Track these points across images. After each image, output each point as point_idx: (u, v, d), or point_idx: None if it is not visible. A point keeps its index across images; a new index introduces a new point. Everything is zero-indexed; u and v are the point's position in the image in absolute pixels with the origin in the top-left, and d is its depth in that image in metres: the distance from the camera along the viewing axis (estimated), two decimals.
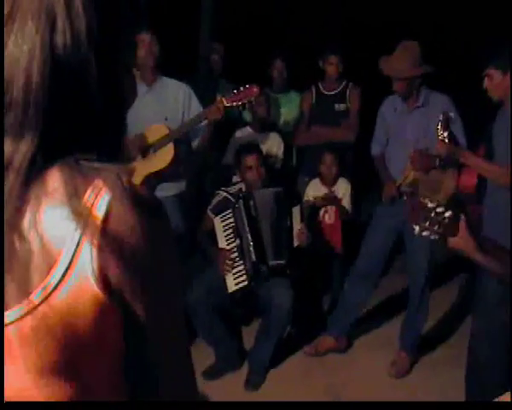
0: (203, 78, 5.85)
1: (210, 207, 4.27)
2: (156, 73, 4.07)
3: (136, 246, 0.88)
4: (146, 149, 3.91)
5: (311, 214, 4.75)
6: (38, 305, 0.86)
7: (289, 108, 5.37)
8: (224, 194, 4.26)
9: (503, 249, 2.71)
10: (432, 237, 2.56)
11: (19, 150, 0.88)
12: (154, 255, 0.91)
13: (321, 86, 5.17)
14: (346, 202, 4.76)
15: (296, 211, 4.18)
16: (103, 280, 0.88)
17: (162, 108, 4.01)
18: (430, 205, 2.56)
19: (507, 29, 3.78)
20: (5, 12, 0.88)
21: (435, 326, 4.82)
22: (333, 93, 5.12)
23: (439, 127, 3.62)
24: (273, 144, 5.10)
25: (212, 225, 4.17)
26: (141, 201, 0.91)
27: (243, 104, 3.81)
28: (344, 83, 5.11)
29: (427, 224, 2.55)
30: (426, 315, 4.36)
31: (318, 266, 4.84)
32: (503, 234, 3.28)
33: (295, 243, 4.12)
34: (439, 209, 2.54)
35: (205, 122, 3.92)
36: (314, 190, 4.78)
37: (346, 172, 4.84)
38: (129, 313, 0.92)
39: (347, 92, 5.09)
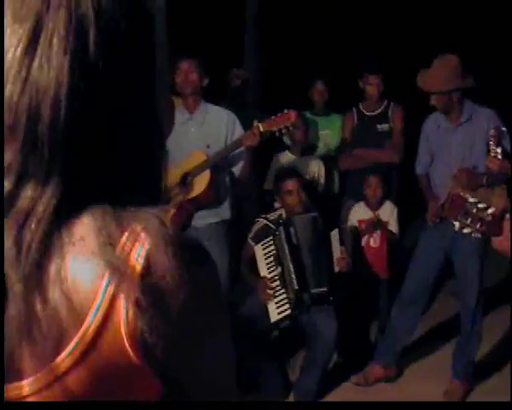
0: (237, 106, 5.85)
1: (250, 235, 4.21)
2: (198, 100, 4.03)
3: (181, 303, 0.76)
4: (184, 178, 3.87)
5: (356, 238, 4.64)
6: (63, 374, 0.74)
7: (331, 131, 5.31)
8: (264, 221, 4.20)
9: None
10: (474, 236, 2.41)
11: (44, 195, 0.74)
12: (201, 315, 0.79)
13: (362, 107, 5.09)
14: (393, 226, 4.65)
15: (334, 235, 4.08)
16: (141, 344, 0.74)
17: (204, 135, 3.98)
18: (471, 200, 2.41)
19: None
20: (27, 28, 0.75)
21: (491, 352, 4.63)
22: (375, 113, 5.04)
23: (492, 142, 3.50)
24: (313, 169, 5.03)
25: (253, 253, 4.10)
26: (186, 249, 0.78)
27: (280, 130, 3.74)
28: (385, 102, 5.03)
29: (469, 220, 2.39)
30: (479, 340, 4.20)
31: (364, 293, 4.71)
32: None
33: (336, 269, 4.02)
34: (481, 205, 2.39)
35: (242, 148, 3.86)
36: (359, 213, 4.69)
37: (391, 195, 4.73)
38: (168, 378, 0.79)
39: (389, 112, 5.00)
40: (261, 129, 3.74)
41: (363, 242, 4.66)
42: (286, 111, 3.74)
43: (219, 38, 7.88)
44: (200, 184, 3.80)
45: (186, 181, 3.86)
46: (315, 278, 3.98)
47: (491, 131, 3.56)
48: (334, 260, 4.04)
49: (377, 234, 4.62)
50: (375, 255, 4.63)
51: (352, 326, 4.69)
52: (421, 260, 4.23)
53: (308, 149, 5.14)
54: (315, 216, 4.09)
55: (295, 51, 8.07)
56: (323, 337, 3.83)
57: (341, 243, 4.09)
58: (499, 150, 3.46)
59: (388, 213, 4.66)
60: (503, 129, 3.58)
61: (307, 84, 5.56)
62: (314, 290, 3.95)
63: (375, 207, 4.67)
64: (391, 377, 4.36)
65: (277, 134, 3.77)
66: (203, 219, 3.92)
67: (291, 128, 3.77)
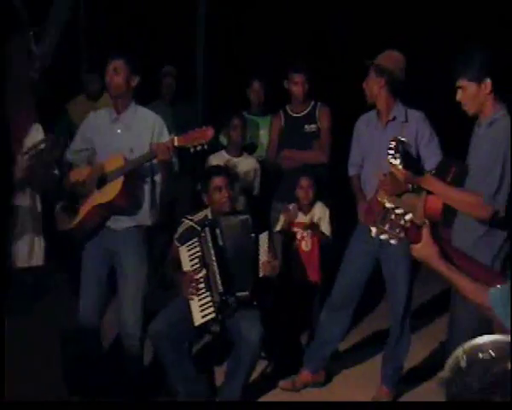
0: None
1: (176, 236, 4.13)
2: (127, 101, 3.95)
3: None
4: (103, 179, 3.83)
5: (287, 242, 4.59)
6: None
7: (267, 132, 5.25)
8: (190, 222, 4.13)
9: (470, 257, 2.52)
10: (392, 242, 2.39)
11: None
12: None
13: (289, 109, 5.07)
14: (325, 228, 4.62)
15: (264, 238, 4.02)
16: None
17: (129, 138, 3.91)
18: (389, 205, 2.41)
19: (478, 39, 3.64)
20: None
21: (423, 358, 4.65)
22: (301, 114, 5.02)
23: (390, 155, 3.40)
24: (249, 170, 4.98)
25: (179, 255, 4.01)
26: None
27: (194, 147, 3.67)
28: (312, 103, 5.01)
29: (386, 226, 2.38)
30: (407, 347, 4.20)
31: (296, 297, 4.66)
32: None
33: (261, 274, 3.95)
34: (399, 211, 2.38)
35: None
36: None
37: (322, 196, 4.70)
38: None
39: (316, 112, 4.99)
40: (175, 143, 3.67)
41: (295, 245, 4.61)
42: (204, 128, 3.68)
43: (168, 36, 7.83)
44: (113, 189, 3.75)
45: (102, 184, 3.82)
46: (239, 281, 3.91)
47: (391, 143, 3.44)
48: (260, 264, 3.98)
49: (309, 237, 4.57)
50: (308, 259, 4.59)
51: (283, 331, 4.66)
52: (351, 264, 4.21)
53: (244, 150, 5.08)
54: (243, 219, 4.03)
55: (240, 50, 8.04)
56: (247, 342, 3.77)
57: (270, 247, 4.03)
58: (397, 162, 3.36)
59: (320, 214, 4.64)
60: (403, 139, 3.48)
61: (245, 83, 5.53)
62: (239, 294, 3.89)
63: (306, 208, 4.63)
64: (319, 383, 4.33)
65: (191, 150, 3.70)
66: (121, 223, 3.91)
67: (205, 146, 3.71)
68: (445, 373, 1.61)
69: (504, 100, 3.32)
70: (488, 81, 3.23)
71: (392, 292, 4.19)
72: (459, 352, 1.57)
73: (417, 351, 4.54)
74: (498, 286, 2.11)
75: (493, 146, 3.20)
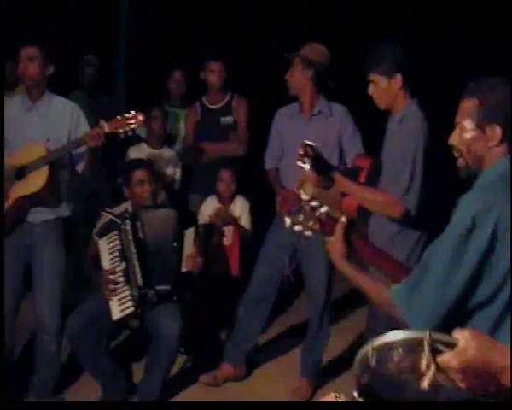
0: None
1: (95, 230, 4.07)
2: (41, 90, 3.84)
3: None
4: (21, 170, 3.71)
5: (207, 236, 4.57)
6: None
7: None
8: (110, 215, 4.07)
9: (381, 252, 2.54)
10: (306, 234, 2.40)
11: None
12: None
13: (205, 100, 5.02)
14: (245, 221, 4.62)
15: (189, 234, 4.01)
16: None
17: (45, 127, 3.80)
18: (304, 197, 2.42)
19: (390, 34, 3.70)
20: None
21: (342, 350, 4.72)
22: (218, 106, 4.98)
23: (298, 160, 3.35)
24: (170, 163, 4.94)
25: (98, 249, 3.95)
26: None
27: (125, 132, 3.63)
28: (229, 95, 4.98)
29: (301, 217, 2.38)
30: (326, 339, 4.26)
31: (216, 292, 4.65)
32: None
33: (183, 269, 3.94)
34: (315, 203, 2.39)
35: (84, 147, 3.72)
36: (210, 208, 4.62)
37: (242, 190, 4.69)
38: None
39: (233, 104, 4.96)
40: (106, 129, 3.60)
41: (216, 239, 4.60)
42: (134, 113, 3.64)
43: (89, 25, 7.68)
44: (38, 179, 3.66)
45: (22, 174, 3.70)
46: (160, 274, 3.89)
47: (300, 149, 3.38)
48: (183, 258, 3.96)
49: (229, 231, 4.58)
50: (228, 253, 4.59)
51: (204, 326, 4.65)
52: (267, 257, 4.24)
53: (165, 142, 5.02)
54: (165, 212, 4.03)
55: (163, 40, 7.95)
56: (167, 336, 3.75)
57: (195, 242, 4.01)
58: (307, 166, 3.32)
59: (241, 208, 4.64)
60: (312, 144, 3.48)
61: (166, 74, 5.49)
62: (158, 288, 3.87)
63: (227, 201, 4.63)
64: (240, 377, 4.34)
65: (122, 136, 3.65)
66: (40, 215, 3.81)
67: (135, 132, 3.67)
68: (354, 370, 1.60)
69: (415, 95, 3.38)
70: (399, 76, 3.28)
71: (311, 284, 4.24)
72: (368, 349, 1.54)
73: (336, 343, 4.61)
74: (400, 283, 2.11)
75: (404, 142, 3.25)
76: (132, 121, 3.62)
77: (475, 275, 1.96)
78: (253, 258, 4.38)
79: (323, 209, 2.38)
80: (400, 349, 1.49)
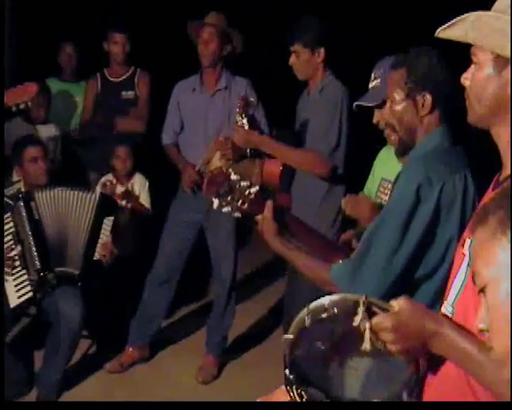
0: None
1: None
2: None
3: None
4: None
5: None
6: None
7: (81, 99, 5.09)
8: None
9: (313, 231, 2.57)
10: (235, 215, 2.36)
11: None
12: None
13: (106, 73, 4.93)
14: (145, 199, 4.56)
15: (108, 222, 3.97)
16: None
17: None
18: (234, 177, 2.36)
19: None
20: None
21: (250, 327, 4.79)
22: (120, 80, 4.91)
23: (238, 113, 3.50)
24: (50, 137, 4.79)
25: None
26: None
27: (17, 105, 3.49)
28: (132, 69, 4.92)
29: (229, 198, 2.33)
30: (232, 316, 4.32)
31: (121, 272, 4.59)
32: (312, 223, 3.26)
33: (97, 256, 3.91)
34: (244, 183, 2.34)
35: None
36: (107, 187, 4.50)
37: (141, 167, 4.63)
38: None
39: (135, 79, 4.90)
40: None
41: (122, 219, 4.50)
42: (26, 84, 3.51)
43: None
44: None
45: None
46: (59, 256, 3.82)
47: (238, 101, 3.57)
48: (98, 246, 3.93)
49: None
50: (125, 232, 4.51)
51: (109, 307, 4.58)
52: (172, 235, 4.24)
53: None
54: (63, 190, 3.92)
55: (48, 12, 7.66)
56: (67, 320, 3.68)
57: (112, 230, 3.98)
58: (245, 121, 3.46)
59: (139, 186, 4.57)
60: (251, 99, 3.62)
61: (55, 47, 5.33)
62: (61, 269, 3.79)
63: (124, 179, 4.54)
64: (145, 357, 4.33)
65: (14, 110, 3.51)
66: None
67: (29, 104, 3.54)
68: (288, 335, 1.58)
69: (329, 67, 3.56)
70: (322, 50, 3.46)
71: (217, 262, 4.28)
72: (303, 312, 1.53)
73: (242, 321, 4.67)
74: (340, 261, 2.12)
75: (329, 106, 3.44)
76: (24, 94, 3.49)
77: (420, 249, 1.99)
78: (155, 237, 4.36)
79: (253, 189, 2.34)
80: (335, 309, 1.51)
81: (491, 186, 1.61)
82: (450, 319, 1.58)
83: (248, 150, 3.67)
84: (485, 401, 1.44)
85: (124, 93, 4.86)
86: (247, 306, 5.03)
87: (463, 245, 1.60)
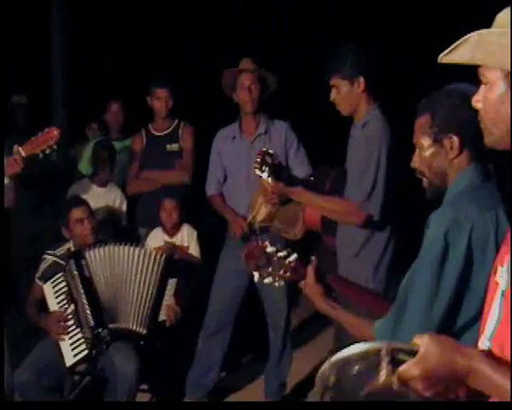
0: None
1: (37, 274, 4.03)
2: None
3: None
4: None
5: None
6: None
7: (127, 156, 5.20)
8: (52, 258, 4.04)
9: (357, 287, 2.56)
10: (277, 285, 2.38)
11: None
12: None
13: (151, 127, 5.02)
14: (194, 250, 4.60)
15: (172, 283, 4.00)
16: None
17: None
18: (270, 249, 2.37)
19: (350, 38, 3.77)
20: None
21: (308, 372, 4.73)
22: (164, 133, 4.97)
23: (256, 168, 3.38)
24: (116, 198, 4.93)
25: (43, 294, 3.90)
26: None
27: (43, 151, 3.62)
28: (176, 122, 4.99)
29: (270, 269, 2.35)
30: (289, 362, 4.31)
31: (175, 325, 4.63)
32: (355, 269, 3.22)
33: (163, 316, 3.94)
34: (282, 254, 2.36)
35: (8, 180, 3.69)
36: (156, 241, 4.58)
37: (190, 218, 4.68)
38: None
39: (179, 131, 4.96)
40: (23, 153, 3.60)
41: None
42: (47, 129, 3.65)
43: None
44: None
45: None
46: (113, 312, 3.86)
47: (257, 156, 3.40)
48: (163, 306, 3.96)
49: None
50: None
51: (163, 360, 4.61)
52: (222, 284, 4.25)
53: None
54: (114, 246, 3.95)
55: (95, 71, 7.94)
56: (123, 375, 3.71)
57: (175, 292, 4.00)
58: (265, 175, 3.34)
59: (188, 237, 4.62)
60: (271, 151, 3.46)
61: (103, 106, 5.48)
62: (111, 326, 3.83)
63: (172, 232, 4.59)
64: None
65: (41, 156, 3.64)
66: None
67: (55, 147, 3.66)
68: (314, 392, 1.57)
69: (377, 99, 3.39)
70: (361, 79, 3.30)
71: (271, 308, 4.27)
72: (326, 367, 1.47)
73: (300, 366, 4.63)
74: (381, 319, 2.09)
75: (367, 147, 3.26)
76: (47, 139, 3.63)
77: (457, 295, 1.95)
78: (206, 286, 4.39)
79: (292, 257, 2.36)
80: (360, 363, 1.44)
81: None
82: (482, 351, 1.51)
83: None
84: (486, 401, 1.39)
85: (168, 146, 4.92)
86: (305, 350, 4.99)
87: (495, 273, 1.56)
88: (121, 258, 3.95)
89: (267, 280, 2.37)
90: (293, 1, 7.99)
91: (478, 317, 1.90)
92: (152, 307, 3.92)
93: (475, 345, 1.87)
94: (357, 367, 1.44)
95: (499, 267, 1.53)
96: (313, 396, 1.52)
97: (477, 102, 1.57)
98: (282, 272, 2.35)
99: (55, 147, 3.66)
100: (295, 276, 2.36)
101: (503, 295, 1.49)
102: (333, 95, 3.36)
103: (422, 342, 1.42)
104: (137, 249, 3.98)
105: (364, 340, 2.03)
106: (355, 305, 2.42)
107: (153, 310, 3.92)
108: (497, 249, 1.91)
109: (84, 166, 5.46)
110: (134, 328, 3.86)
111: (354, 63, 3.30)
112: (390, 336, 1.99)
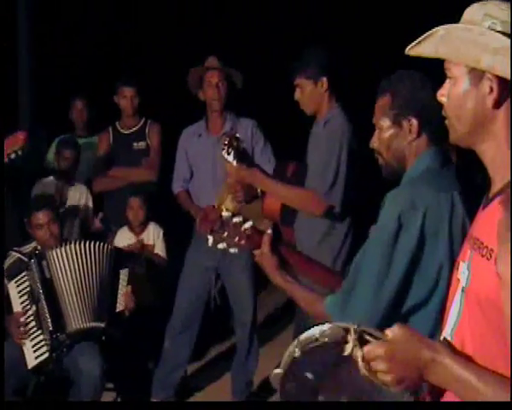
0: None
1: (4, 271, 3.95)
2: None
3: None
4: None
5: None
6: None
7: (93, 153, 5.15)
8: (17, 254, 3.96)
9: (308, 259, 2.54)
10: (231, 251, 2.35)
11: None
12: None
13: (118, 125, 5.00)
14: (159, 248, 4.58)
15: (124, 273, 4.00)
16: None
17: None
18: (226, 214, 2.35)
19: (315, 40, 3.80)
20: None
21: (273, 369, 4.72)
22: (131, 131, 4.95)
23: (223, 150, 3.35)
24: (81, 196, 4.88)
25: (7, 291, 3.85)
26: None
27: (8, 156, 3.57)
28: (143, 120, 4.97)
29: (225, 235, 2.33)
30: (256, 360, 4.32)
31: (139, 324, 4.60)
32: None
33: (119, 308, 3.93)
34: (237, 219, 2.34)
35: None
36: (123, 239, 4.55)
37: (155, 217, 4.66)
38: None
39: (146, 129, 4.94)
40: None
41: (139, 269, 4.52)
42: (15, 134, 3.62)
43: None
44: None
45: None
46: (76, 314, 3.82)
47: (223, 138, 3.43)
48: (119, 297, 3.95)
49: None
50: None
51: (130, 359, 4.59)
52: (188, 282, 4.24)
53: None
54: (75, 244, 3.92)
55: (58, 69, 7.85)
56: (87, 376, 3.69)
57: (129, 281, 4.00)
58: (231, 157, 3.32)
59: (154, 235, 4.59)
60: (237, 135, 3.46)
61: (68, 103, 5.44)
62: (83, 325, 3.81)
63: (138, 230, 4.57)
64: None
65: (6, 160, 3.60)
66: None
67: (20, 153, 3.61)
68: (279, 369, 1.53)
69: (339, 98, 3.49)
70: (324, 79, 3.39)
71: (237, 305, 4.28)
72: (293, 345, 1.49)
73: (267, 363, 4.63)
74: (332, 295, 2.10)
75: (329, 142, 3.35)
76: (13, 144, 3.59)
77: (407, 276, 1.95)
78: (172, 285, 4.37)
79: (248, 224, 2.33)
80: (326, 339, 1.46)
81: (482, 205, 1.55)
82: (448, 346, 1.51)
83: (259, 191, 3.65)
84: (485, 401, 1.37)
85: (135, 144, 4.91)
86: (272, 349, 5.00)
87: (457, 269, 1.56)
88: (78, 255, 3.92)
89: (221, 245, 2.35)
90: (258, 1, 8.03)
91: (428, 300, 1.97)
92: (108, 299, 3.93)
93: (426, 329, 1.92)
94: (324, 340, 1.46)
95: (461, 263, 1.54)
96: (276, 375, 1.51)
97: (442, 95, 1.56)
98: (237, 239, 2.32)
99: (19, 152, 3.61)
100: (250, 244, 2.33)
101: (463, 291, 1.50)
102: (297, 94, 3.45)
103: (392, 329, 1.43)
104: (88, 244, 3.95)
105: (317, 317, 2.10)
106: (305, 276, 2.42)
107: (109, 302, 3.93)
108: (451, 234, 1.96)
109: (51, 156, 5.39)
110: (92, 324, 3.85)
111: (318, 64, 3.39)
112: (339, 311, 2.01)
